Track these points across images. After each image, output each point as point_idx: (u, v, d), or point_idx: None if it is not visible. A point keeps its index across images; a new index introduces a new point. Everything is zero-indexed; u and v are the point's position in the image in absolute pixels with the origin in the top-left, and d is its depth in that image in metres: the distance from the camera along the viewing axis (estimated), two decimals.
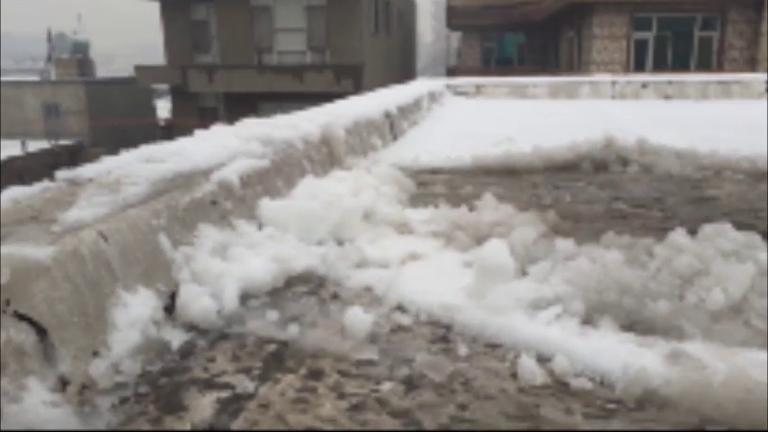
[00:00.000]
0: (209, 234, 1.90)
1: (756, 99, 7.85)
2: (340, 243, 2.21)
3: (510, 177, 3.81)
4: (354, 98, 5.08)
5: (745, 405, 1.25)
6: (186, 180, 2.04)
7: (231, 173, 2.15)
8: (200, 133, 2.62)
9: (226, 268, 1.77)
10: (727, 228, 2.16)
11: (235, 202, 2.13)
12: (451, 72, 26.05)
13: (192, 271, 1.74)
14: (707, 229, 2.15)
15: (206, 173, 2.15)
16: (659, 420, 1.28)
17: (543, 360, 1.50)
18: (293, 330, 1.62)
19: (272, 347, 1.57)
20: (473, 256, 2.08)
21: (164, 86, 23.19)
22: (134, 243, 1.61)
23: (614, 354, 1.48)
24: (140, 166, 2.08)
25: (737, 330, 1.67)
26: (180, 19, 20.65)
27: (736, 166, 3.91)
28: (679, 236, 2.09)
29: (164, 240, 1.72)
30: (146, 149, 2.37)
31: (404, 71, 26.13)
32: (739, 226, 2.56)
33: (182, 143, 2.48)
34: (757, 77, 8.30)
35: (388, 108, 4.64)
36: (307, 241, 2.16)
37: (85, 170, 2.04)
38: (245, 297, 1.78)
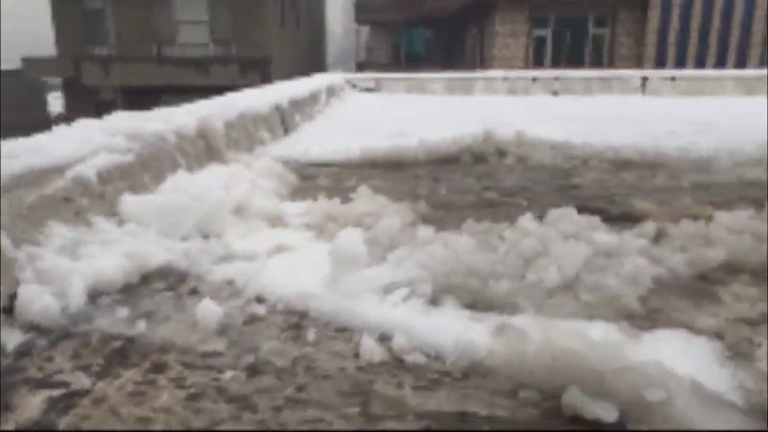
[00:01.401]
0: (59, 232, 1.85)
1: (633, 93, 8.49)
2: (207, 238, 2.21)
3: (395, 170, 3.92)
4: (245, 91, 5.03)
5: (551, 371, 1.39)
6: (36, 176, 1.97)
7: (89, 168, 2.09)
8: (61, 128, 2.52)
9: (74, 266, 1.74)
10: (570, 212, 2.35)
11: (92, 198, 2.07)
12: (361, 67, 26.18)
13: (36, 270, 1.69)
14: (552, 214, 2.34)
15: (61, 169, 2.08)
16: (480, 388, 1.40)
17: (385, 339, 1.58)
18: (142, 326, 1.62)
19: (117, 344, 1.56)
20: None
21: (57, 80, 21.78)
22: None
23: (449, 330, 1.59)
24: None
25: (567, 304, 1.84)
26: (72, 7, 19.45)
27: (602, 156, 4.24)
28: (526, 220, 2.26)
29: (4, 239, 1.66)
30: (4, 145, 2.26)
31: (314, 65, 25.95)
32: (592, 210, 2.80)
33: (40, 138, 2.38)
34: (634, 74, 8.97)
35: (279, 101, 4.64)
36: (171, 236, 2.14)
37: None
38: (94, 295, 1.75)
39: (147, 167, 2.45)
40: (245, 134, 3.63)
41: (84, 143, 2.34)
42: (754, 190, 3.37)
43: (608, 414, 1.26)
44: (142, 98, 17.98)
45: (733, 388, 1.39)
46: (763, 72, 9.56)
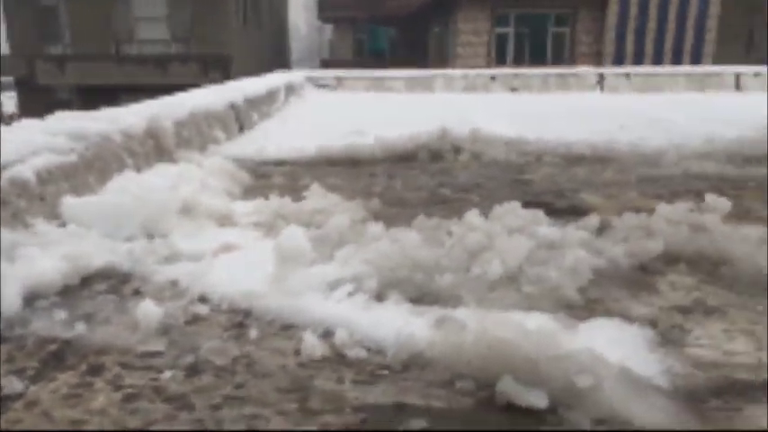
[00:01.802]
0: None
1: (589, 90, 8.68)
2: (152, 238, 2.19)
3: (351, 168, 3.93)
4: (198, 89, 4.97)
5: (487, 360, 1.42)
6: None
7: (27, 169, 2.05)
8: (1, 129, 2.45)
9: (9, 270, 1.70)
10: (515, 206, 2.40)
11: (30, 199, 2.03)
12: (325, 64, 26.08)
13: None
14: (498, 209, 2.38)
15: None
16: (418, 380, 1.42)
17: (328, 335, 1.60)
18: (80, 328, 1.60)
19: (53, 347, 1.53)
20: None
21: (9, 78, 21.08)
22: None
23: (391, 324, 1.61)
24: None
25: (509, 296, 1.88)
26: (24, 4, 18.85)
27: (555, 152, 4.33)
28: (473, 215, 2.30)
29: None
30: None
31: (277, 63, 25.72)
32: (541, 204, 2.87)
33: None
34: (590, 71, 9.17)
35: (234, 100, 4.59)
36: (114, 237, 2.11)
37: None
38: (31, 298, 1.72)
39: (91, 168, 2.41)
40: (197, 133, 3.59)
41: (25, 144, 2.29)
42: (698, 182, 3.49)
43: (539, 401, 1.29)
44: (100, 98, 17.51)
45: (661, 372, 1.45)
46: (712, 68, 9.89)
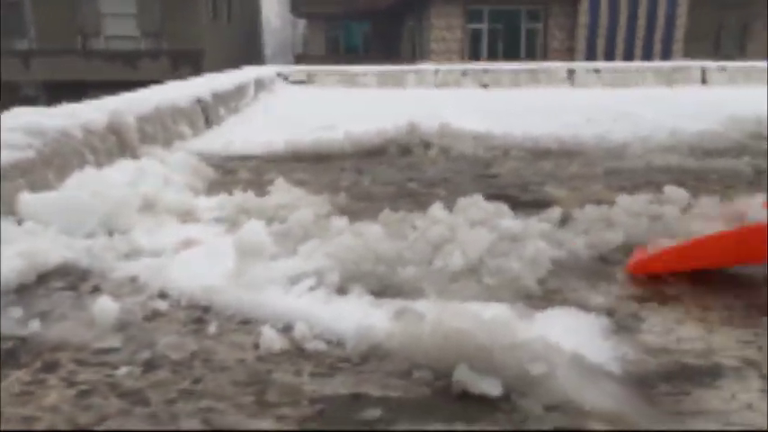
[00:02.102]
0: None
1: (560, 85, 8.78)
2: (111, 234, 2.16)
3: (320, 162, 3.93)
4: (164, 85, 4.90)
5: (444, 350, 1.44)
6: None
7: None
8: None
9: None
10: (478, 199, 2.42)
11: None
12: (299, 59, 25.94)
13: None
14: (461, 202, 2.40)
15: None
16: (376, 371, 1.43)
17: (288, 329, 1.60)
18: (35, 326, 1.57)
19: (7, 345, 1.50)
20: None
21: None
22: None
23: (351, 317, 1.62)
24: None
25: (470, 288, 1.90)
26: None
27: (521, 146, 4.38)
28: (437, 209, 2.32)
29: None
30: None
31: (250, 59, 25.48)
32: (506, 198, 2.90)
33: None
34: (560, 66, 9.29)
35: (200, 95, 4.54)
36: (73, 234, 2.08)
37: None
38: None
39: (50, 164, 2.36)
40: (162, 129, 3.55)
41: None
42: (660, 174, 3.57)
43: (493, 389, 1.31)
44: (68, 94, 17.17)
45: (613, 359, 1.48)
46: (679, 63, 10.08)
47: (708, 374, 1.42)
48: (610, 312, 1.74)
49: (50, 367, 1.42)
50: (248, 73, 7.18)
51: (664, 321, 1.69)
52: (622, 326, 1.66)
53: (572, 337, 1.52)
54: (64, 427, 1.21)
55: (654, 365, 1.46)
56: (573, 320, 1.65)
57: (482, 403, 1.30)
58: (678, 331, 1.63)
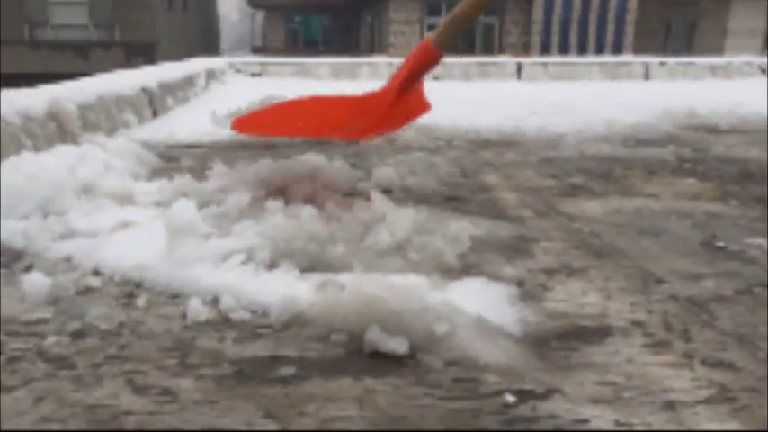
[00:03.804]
0: None
1: (509, 78, 9.02)
2: (47, 217, 2.19)
3: (266, 151, 3.99)
4: (109, 74, 4.87)
5: (360, 316, 1.55)
6: None
7: None
8: None
9: None
10: None
11: None
12: (257, 52, 25.68)
13: None
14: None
15: None
16: (296, 336, 1.54)
17: (215, 301, 1.68)
18: None
19: None
20: None
21: None
22: None
23: (277, 290, 1.72)
24: None
25: (395, 263, 2.02)
26: None
27: (464, 137, 4.54)
28: (373, 194, 2.43)
29: None
30: None
31: (206, 51, 25.10)
32: (443, 183, 3.04)
33: None
34: (510, 60, 9.53)
35: (147, 84, 4.54)
36: (8, 217, 2.11)
37: None
38: None
39: None
40: (105, 117, 3.56)
41: None
42: (591, 162, 3.77)
43: (400, 347, 1.44)
44: (15, 86, 16.62)
45: (515, 322, 1.62)
46: (623, 58, 10.45)
47: (597, 333, 1.57)
48: (520, 282, 1.88)
49: None
50: (199, 63, 7.16)
51: (568, 290, 1.84)
52: (530, 294, 1.80)
53: (479, 303, 1.66)
54: None
55: (551, 327, 1.60)
56: (482, 288, 1.79)
57: (390, 360, 1.42)
58: (579, 299, 1.79)
